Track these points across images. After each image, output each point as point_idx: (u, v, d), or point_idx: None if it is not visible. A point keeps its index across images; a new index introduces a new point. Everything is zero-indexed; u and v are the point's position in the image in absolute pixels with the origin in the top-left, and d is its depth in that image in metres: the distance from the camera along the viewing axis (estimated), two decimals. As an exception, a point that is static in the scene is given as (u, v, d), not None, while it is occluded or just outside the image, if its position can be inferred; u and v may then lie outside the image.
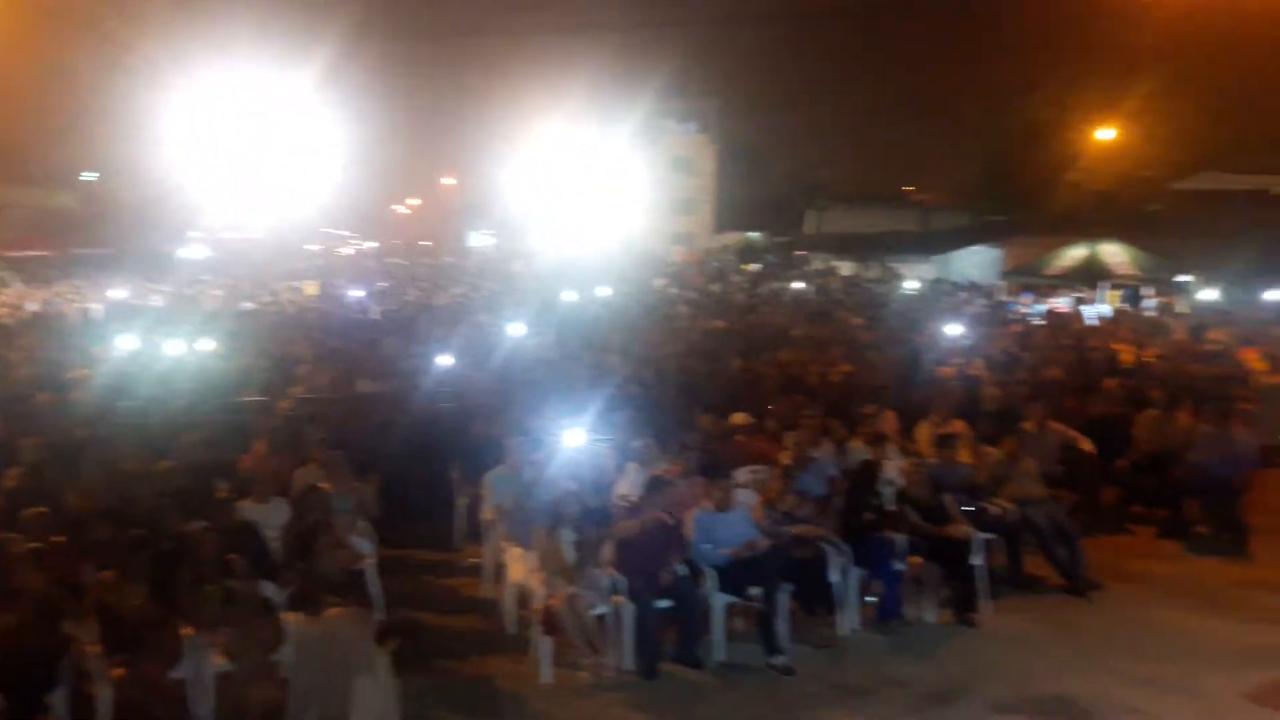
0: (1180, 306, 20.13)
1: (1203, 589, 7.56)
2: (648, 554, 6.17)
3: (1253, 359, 13.10)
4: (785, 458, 7.83)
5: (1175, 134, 33.58)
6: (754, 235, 50.41)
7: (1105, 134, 32.74)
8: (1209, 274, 20.19)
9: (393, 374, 10.59)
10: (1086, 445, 9.03)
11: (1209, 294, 19.61)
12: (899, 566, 6.83)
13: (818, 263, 36.75)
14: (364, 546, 6.61)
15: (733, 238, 51.33)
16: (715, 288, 27.46)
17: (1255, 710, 5.65)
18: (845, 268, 34.95)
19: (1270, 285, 19.08)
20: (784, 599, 6.36)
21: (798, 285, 27.78)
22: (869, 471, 7.45)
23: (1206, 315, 17.70)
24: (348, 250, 56.20)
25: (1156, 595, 7.46)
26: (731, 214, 57.02)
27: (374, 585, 6.41)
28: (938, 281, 27.89)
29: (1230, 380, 12.19)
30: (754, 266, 37.33)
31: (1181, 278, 20.46)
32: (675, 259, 43.21)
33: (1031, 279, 22.31)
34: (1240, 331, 15.13)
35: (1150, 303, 20.91)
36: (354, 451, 7.72)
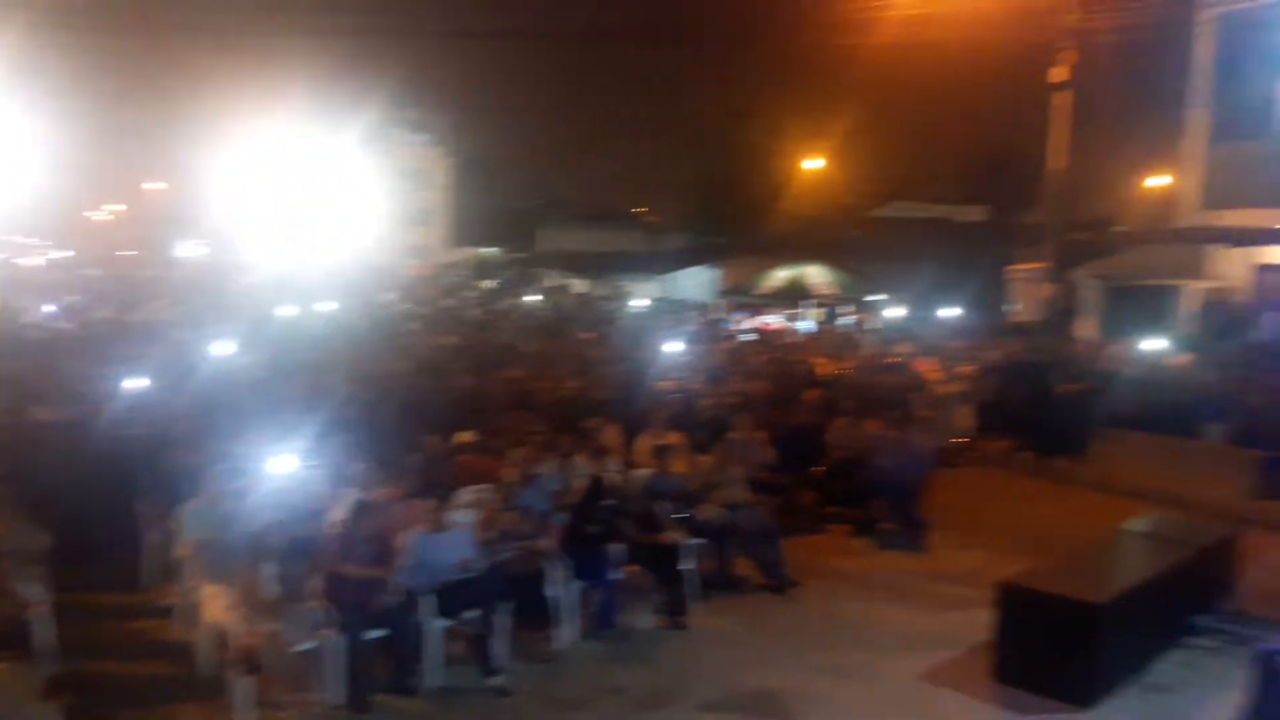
0: (871, 323, 22.16)
1: (887, 581, 8.30)
2: (357, 583, 5.95)
3: (930, 370, 14.62)
4: (509, 475, 7.83)
5: (876, 166, 37.09)
6: (490, 250, 50.35)
7: (812, 164, 35.54)
8: (896, 293, 22.35)
9: (75, 399, 9.57)
10: (769, 456, 9.67)
11: (896, 311, 21.68)
12: (616, 576, 7.02)
13: (551, 279, 37.26)
14: (33, 593, 5.92)
15: (468, 252, 51.01)
16: (449, 303, 27.10)
17: (927, 689, 6.26)
18: (578, 284, 35.65)
19: (945, 303, 21.43)
20: (503, 618, 6.33)
21: (532, 301, 28.00)
22: (593, 486, 7.60)
23: (893, 331, 19.56)
24: (36, 260, 50.22)
25: (847, 589, 8.10)
26: (468, 228, 56.67)
27: (45, 635, 5.75)
28: (661, 300, 29.07)
29: (911, 390, 13.56)
30: (489, 282, 37.23)
31: (873, 297, 22.56)
32: (408, 273, 42.23)
33: (744, 298, 23.79)
34: (920, 345, 16.82)
35: (846, 319, 22.88)
36: (27, 485, 6.95)
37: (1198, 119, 16.57)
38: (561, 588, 6.74)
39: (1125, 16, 16.29)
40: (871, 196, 39.81)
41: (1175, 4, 16.58)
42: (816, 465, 10.20)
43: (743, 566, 8.07)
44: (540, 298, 28.63)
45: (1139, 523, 9.15)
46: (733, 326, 22.00)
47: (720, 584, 7.82)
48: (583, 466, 8.31)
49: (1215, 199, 16.08)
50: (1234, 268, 16.22)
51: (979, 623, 6.64)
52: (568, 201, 55.10)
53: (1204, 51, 16.24)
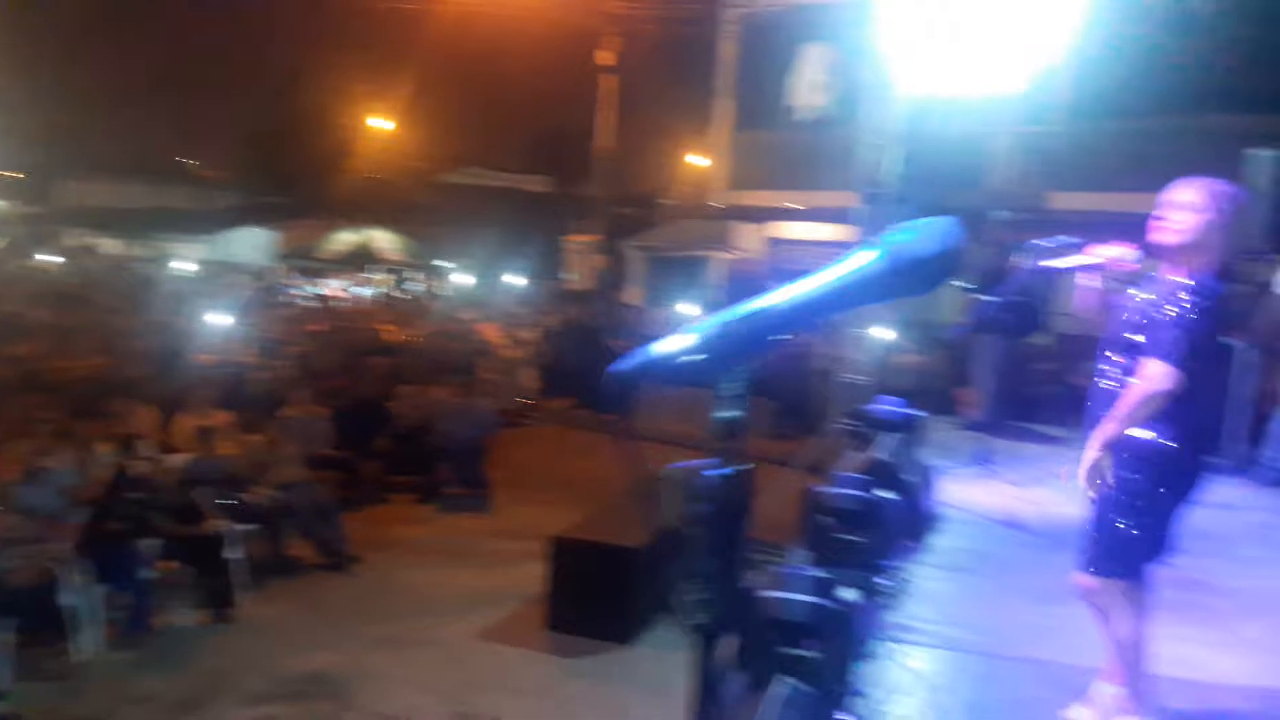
0: (439, 289, 22.22)
1: (451, 545, 8.35)
2: None
3: (494, 335, 14.98)
4: (8, 472, 6.69)
5: (446, 131, 36.90)
6: (-8, 204, 42.87)
7: (382, 125, 34.53)
8: (464, 260, 22.58)
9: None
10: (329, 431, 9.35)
11: (463, 278, 21.93)
12: (148, 574, 6.32)
13: (74, 238, 32.61)
14: None
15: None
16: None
17: (484, 647, 6.39)
18: (109, 245, 31.57)
19: (511, 270, 22.07)
20: (4, 635, 5.43)
21: (49, 263, 24.33)
22: (117, 476, 6.74)
23: (460, 297, 19.77)
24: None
25: (410, 558, 8.03)
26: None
27: None
28: (210, 263, 26.75)
29: (477, 355, 13.79)
30: (-3, 242, 31.73)
31: (441, 263, 22.61)
32: None
33: (306, 262, 22.67)
34: (486, 311, 17.17)
35: (414, 285, 22.72)
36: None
37: (724, 108, 18.51)
38: (79, 594, 5.93)
39: (662, 9, 17.77)
40: (441, 162, 39.68)
41: (706, 1, 18.34)
42: (381, 436, 10.00)
43: (299, 548, 7.68)
44: (61, 260, 24.97)
45: (672, 469, 10.11)
46: (293, 293, 20.86)
47: (274, 569, 7.37)
48: (106, 455, 7.36)
49: (739, 180, 18.13)
50: (753, 241, 18.44)
51: (536, 576, 6.91)
52: (100, 153, 48.53)
53: (728, 48, 18.14)
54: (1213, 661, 3.40)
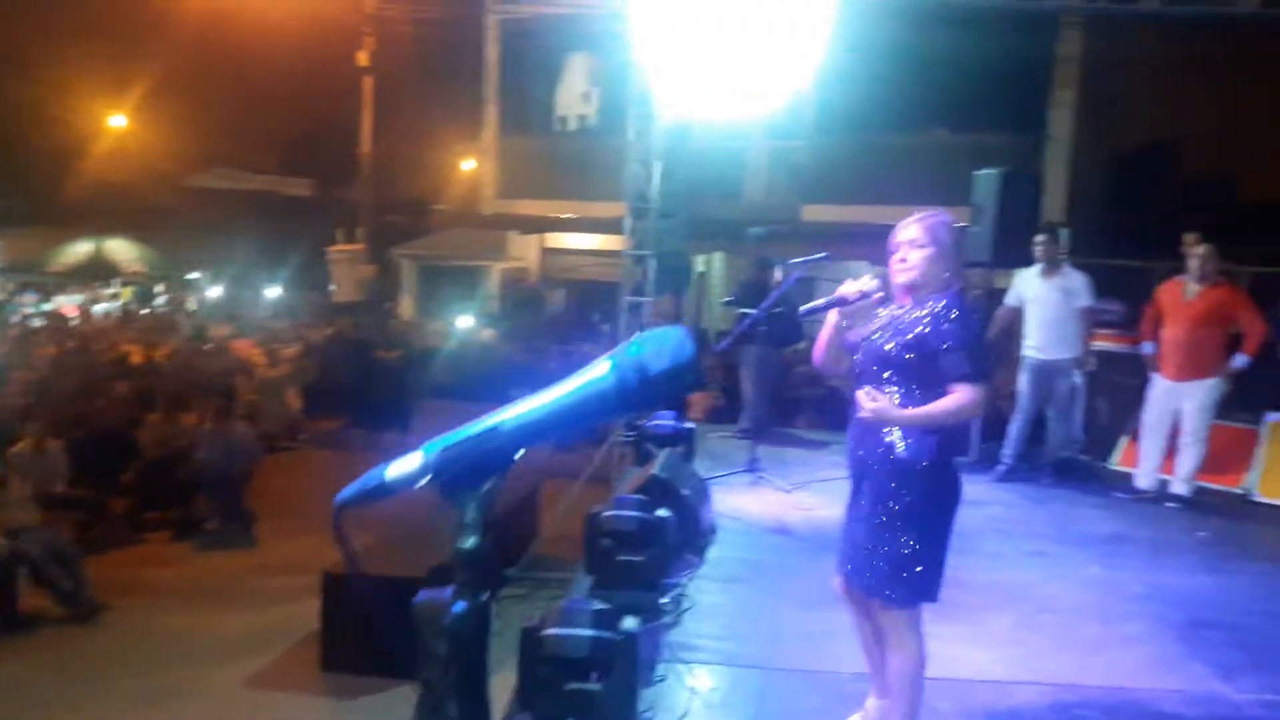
0: (191, 304, 20.74)
1: (214, 585, 7.80)
2: None
3: (254, 353, 14.14)
4: None
5: (194, 130, 34.17)
6: None
7: (116, 122, 31.64)
8: (218, 271, 21.19)
9: None
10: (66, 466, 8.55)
11: (216, 290, 20.59)
12: None
13: None
14: None
15: None
16: None
17: (255, 695, 6.02)
18: None
19: (271, 281, 20.91)
20: None
21: None
22: None
23: (213, 312, 18.54)
24: None
25: (168, 601, 7.44)
26: None
27: None
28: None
29: (233, 375, 12.98)
30: None
31: (192, 275, 21.10)
32: None
33: (32, 276, 20.52)
34: (243, 327, 16.19)
35: (161, 300, 21.09)
36: None
37: (490, 113, 18.38)
38: None
39: (422, 9, 17.42)
40: (188, 163, 36.84)
41: (467, 3, 18.13)
42: (128, 468, 9.21)
43: (36, 599, 6.93)
44: None
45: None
46: (23, 310, 18.85)
47: (6, 624, 6.63)
48: None
49: (510, 188, 18.04)
50: (527, 250, 18.42)
51: (309, 613, 6.57)
52: None
53: (492, 51, 18.02)
54: (967, 657, 3.70)
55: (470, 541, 1.49)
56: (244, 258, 21.63)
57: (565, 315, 18.69)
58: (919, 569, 2.92)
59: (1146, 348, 6.56)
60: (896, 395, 2.89)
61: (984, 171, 7.22)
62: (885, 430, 2.92)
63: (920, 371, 2.88)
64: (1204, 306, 6.18)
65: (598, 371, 1.41)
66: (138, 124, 31.90)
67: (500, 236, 18.38)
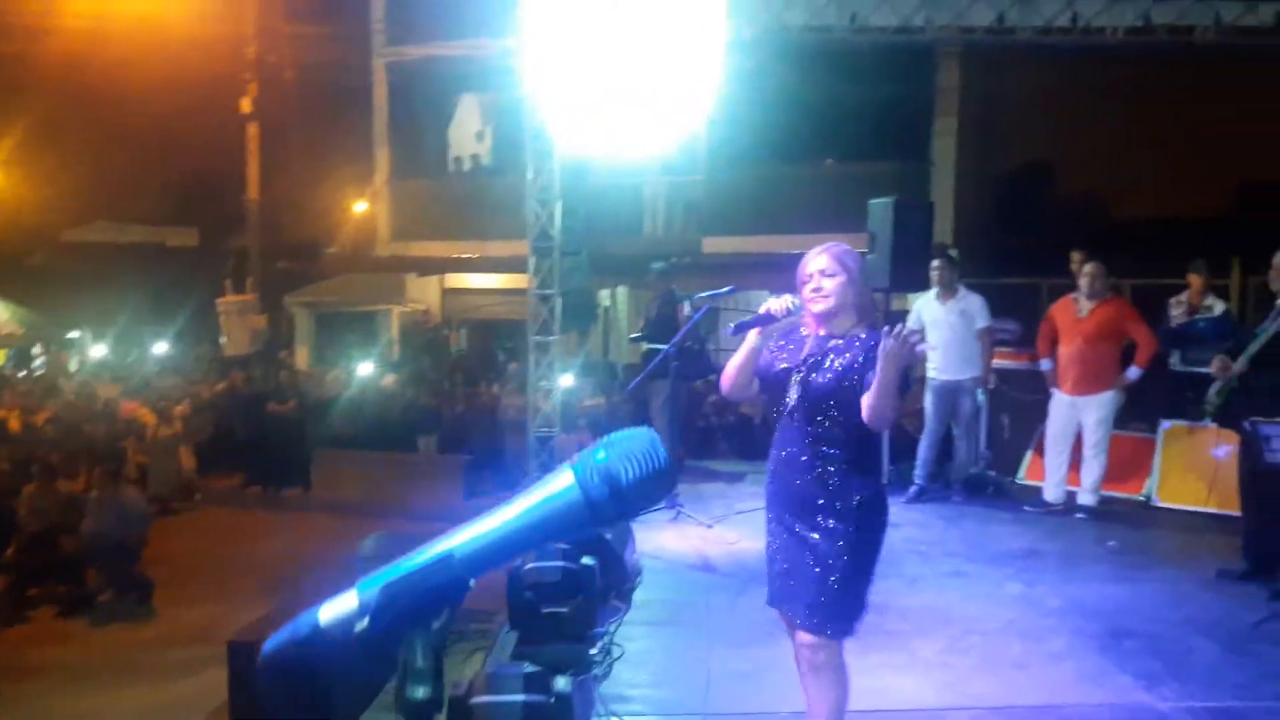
0: (72, 364, 19.73)
1: (111, 661, 7.35)
2: None
3: (142, 413, 13.50)
4: None
5: (68, 182, 32.68)
6: None
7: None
8: (101, 329, 20.25)
9: None
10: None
11: (100, 349, 19.66)
12: None
13: None
14: None
15: None
16: None
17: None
18: None
19: (159, 337, 20.05)
20: None
21: None
22: None
23: (98, 371, 17.68)
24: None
25: (60, 682, 6.96)
26: None
27: None
28: None
29: (122, 437, 12.37)
30: None
31: (73, 334, 20.10)
32: None
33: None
34: (130, 386, 15.47)
35: (40, 362, 20.02)
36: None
37: (382, 156, 18.10)
38: None
39: (306, 54, 17.12)
40: (65, 216, 35.23)
41: (354, 47, 17.86)
42: (7, 543, 8.63)
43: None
44: None
45: (365, 545, 9.60)
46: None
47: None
48: None
49: (405, 230, 17.76)
50: (426, 292, 18.12)
51: (215, 686, 6.21)
52: None
53: (381, 93, 17.77)
54: (898, 685, 3.70)
55: (421, 692, 1.26)
56: (129, 313, 20.72)
57: (469, 356, 18.43)
58: (852, 601, 2.91)
59: (1045, 364, 6.76)
60: (836, 424, 2.89)
61: (877, 200, 7.35)
62: (818, 461, 2.91)
63: (857, 399, 2.87)
64: (1096, 322, 6.41)
65: (561, 483, 1.26)
66: (6, 178, 30.41)
67: (398, 279, 18.05)
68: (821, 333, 3.01)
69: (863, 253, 7.54)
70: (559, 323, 9.03)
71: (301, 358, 18.72)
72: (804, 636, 2.98)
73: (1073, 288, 8.61)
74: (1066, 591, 4.97)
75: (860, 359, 2.87)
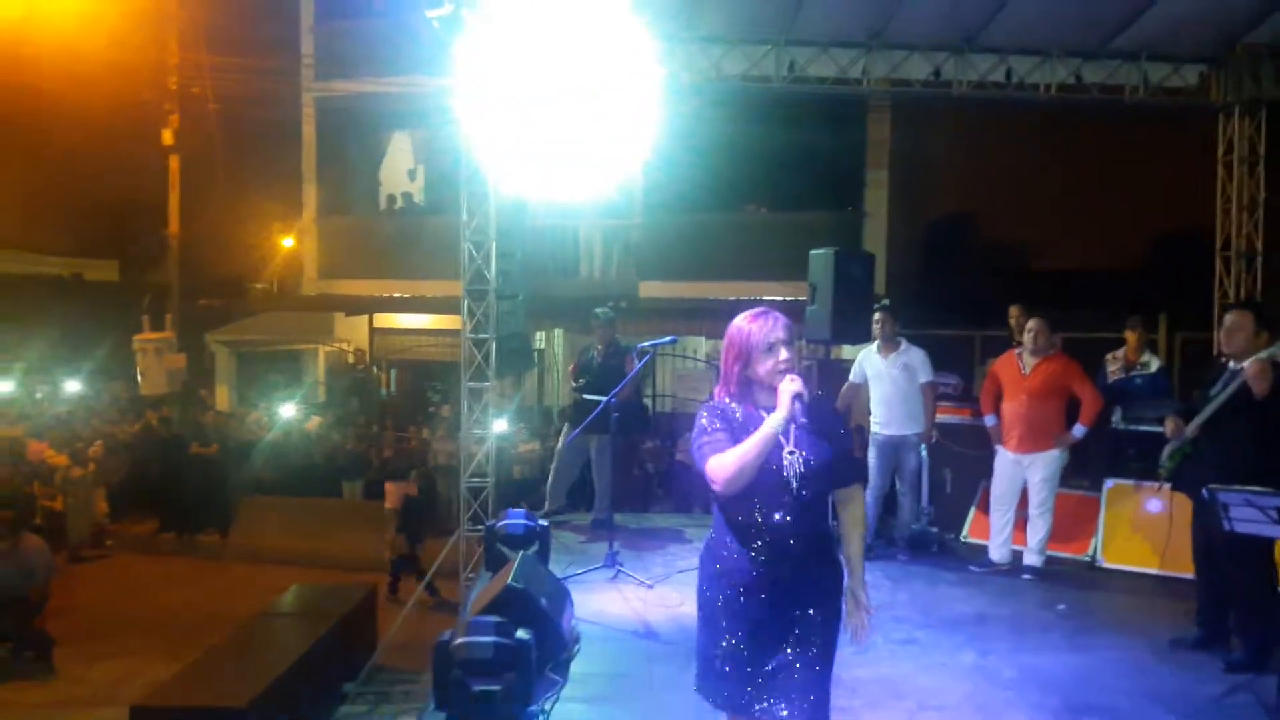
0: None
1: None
2: None
3: (50, 454, 12.77)
4: None
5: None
6: None
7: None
8: (8, 366, 19.27)
9: None
10: None
11: (8, 386, 18.67)
12: None
13: None
14: None
15: None
16: None
17: None
18: None
19: (72, 375, 19.14)
20: None
21: None
22: None
23: (3, 410, 16.76)
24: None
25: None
26: None
27: None
28: None
29: (28, 481, 11.68)
30: None
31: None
32: None
33: None
34: (37, 426, 14.69)
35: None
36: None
37: (310, 192, 17.66)
38: None
39: (231, 87, 16.68)
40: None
41: (283, 81, 17.45)
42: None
43: None
44: None
45: (284, 599, 9.10)
46: None
47: None
48: None
49: (333, 268, 17.29)
50: (355, 331, 17.63)
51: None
52: None
53: (310, 129, 17.37)
54: None
55: None
56: (39, 349, 19.80)
57: (399, 398, 17.95)
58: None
59: (989, 420, 6.67)
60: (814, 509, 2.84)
61: (818, 251, 7.26)
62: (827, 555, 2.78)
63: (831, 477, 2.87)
64: (1041, 379, 6.34)
65: None
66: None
67: (325, 318, 17.54)
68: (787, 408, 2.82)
69: (804, 303, 7.46)
70: (494, 368, 8.74)
71: (222, 398, 18.03)
72: None
73: (1007, 342, 8.64)
74: (1020, 661, 4.80)
75: (829, 434, 2.78)
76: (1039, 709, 4.23)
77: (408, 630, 8.64)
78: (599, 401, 7.57)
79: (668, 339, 6.50)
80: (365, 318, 17.35)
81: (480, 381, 8.80)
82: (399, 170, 17.81)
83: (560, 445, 8.01)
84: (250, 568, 11.28)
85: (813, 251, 7.34)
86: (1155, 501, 6.57)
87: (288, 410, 15.44)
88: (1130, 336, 8.01)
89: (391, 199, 17.79)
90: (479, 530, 8.60)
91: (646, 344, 6.37)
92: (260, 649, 7.49)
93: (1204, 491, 4.33)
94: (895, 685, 4.46)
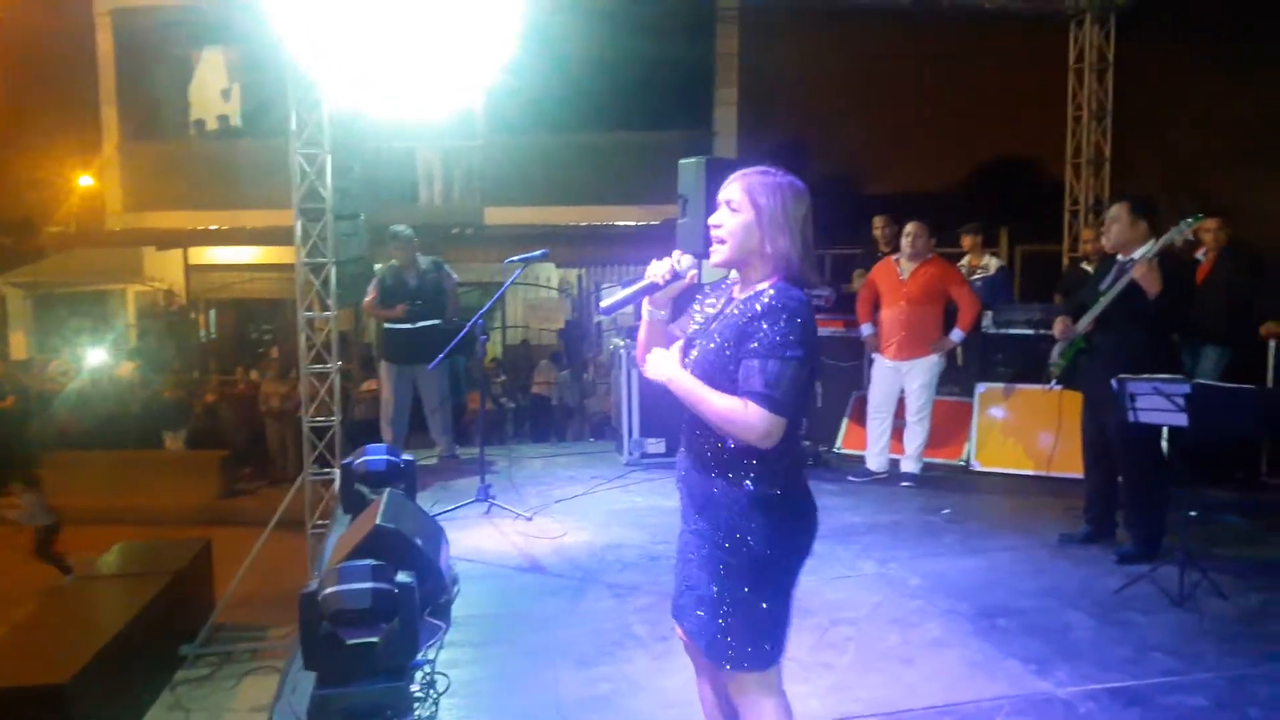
0: None
1: None
2: None
3: None
4: None
5: None
6: None
7: None
8: None
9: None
10: None
11: None
12: None
13: None
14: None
15: None
16: None
17: None
18: None
19: None
20: None
21: None
22: None
23: None
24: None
25: None
26: None
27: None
28: None
29: None
30: None
31: None
32: None
33: None
34: None
35: None
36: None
37: (110, 117, 15.90)
38: None
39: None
40: None
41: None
42: None
43: None
44: None
45: (106, 559, 8.26)
46: None
47: None
48: None
49: (140, 200, 15.67)
50: (168, 269, 16.12)
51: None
52: None
53: (106, 45, 15.57)
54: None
55: None
56: None
57: (221, 340, 16.66)
58: (774, 626, 2.32)
59: (865, 330, 6.53)
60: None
61: (688, 160, 6.88)
62: (729, 456, 2.28)
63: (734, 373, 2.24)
64: (919, 284, 6.21)
65: None
66: None
67: (133, 255, 15.94)
68: (737, 288, 2.38)
69: (658, 228, 7.09)
70: (335, 297, 7.99)
71: (17, 346, 16.23)
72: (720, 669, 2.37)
73: (854, 260, 8.56)
74: (922, 568, 4.66)
75: (739, 319, 2.25)
76: (952, 615, 4.07)
77: (248, 584, 7.95)
78: (417, 330, 6.97)
79: (538, 253, 5.99)
80: (179, 253, 15.86)
81: (318, 312, 8.06)
82: (211, 90, 16.22)
83: (386, 381, 7.36)
84: (62, 528, 10.15)
85: (682, 161, 6.95)
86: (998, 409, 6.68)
87: (95, 356, 14.03)
88: (967, 241, 8.05)
89: (202, 122, 16.22)
90: (326, 474, 7.96)
91: (516, 258, 5.84)
92: (82, 617, 6.70)
93: (1113, 382, 4.24)
94: (801, 601, 4.16)
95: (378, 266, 7.62)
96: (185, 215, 15.09)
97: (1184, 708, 3.25)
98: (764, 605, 2.28)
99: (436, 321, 7.19)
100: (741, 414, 2.16)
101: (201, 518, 11.13)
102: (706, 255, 2.41)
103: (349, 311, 10.02)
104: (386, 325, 7.38)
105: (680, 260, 2.40)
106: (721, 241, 2.34)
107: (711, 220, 2.38)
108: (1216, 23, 9.05)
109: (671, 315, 2.52)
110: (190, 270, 16.22)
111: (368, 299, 7.33)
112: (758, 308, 2.20)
